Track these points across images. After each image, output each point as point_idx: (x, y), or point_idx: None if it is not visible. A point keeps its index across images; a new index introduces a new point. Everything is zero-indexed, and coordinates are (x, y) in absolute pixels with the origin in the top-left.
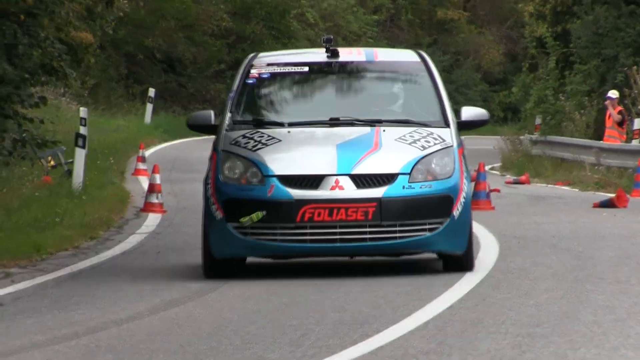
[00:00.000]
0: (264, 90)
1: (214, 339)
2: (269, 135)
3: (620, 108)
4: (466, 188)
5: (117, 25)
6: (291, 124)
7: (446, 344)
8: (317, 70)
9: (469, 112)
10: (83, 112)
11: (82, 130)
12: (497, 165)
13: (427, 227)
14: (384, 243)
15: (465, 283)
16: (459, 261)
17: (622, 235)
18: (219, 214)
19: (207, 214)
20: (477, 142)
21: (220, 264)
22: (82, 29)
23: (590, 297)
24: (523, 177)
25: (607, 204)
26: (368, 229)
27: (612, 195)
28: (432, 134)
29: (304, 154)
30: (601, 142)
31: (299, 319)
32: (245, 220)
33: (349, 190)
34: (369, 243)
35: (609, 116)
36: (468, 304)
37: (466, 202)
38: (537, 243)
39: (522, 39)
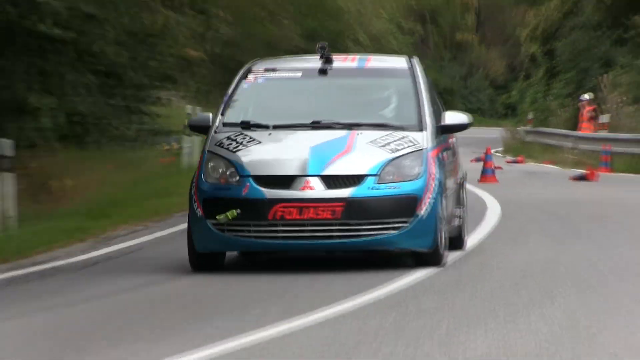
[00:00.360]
0: (256, 94)
1: (274, 285)
2: (250, 137)
3: (594, 107)
4: (435, 188)
5: (220, 45)
6: (275, 127)
7: (461, 282)
8: (309, 76)
9: (450, 118)
10: (189, 109)
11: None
12: (500, 149)
13: (392, 225)
14: (351, 241)
15: (476, 237)
16: (427, 258)
17: (593, 201)
18: (199, 212)
19: (191, 211)
20: (486, 132)
21: (204, 258)
22: (194, 47)
23: (570, 248)
24: (519, 158)
25: (582, 178)
26: (336, 227)
27: (586, 171)
28: (405, 137)
29: (278, 155)
30: (577, 132)
31: (330, 272)
32: (221, 217)
33: (319, 190)
34: (337, 240)
35: (582, 114)
36: (478, 252)
37: (434, 203)
38: (530, 207)
39: (519, 55)
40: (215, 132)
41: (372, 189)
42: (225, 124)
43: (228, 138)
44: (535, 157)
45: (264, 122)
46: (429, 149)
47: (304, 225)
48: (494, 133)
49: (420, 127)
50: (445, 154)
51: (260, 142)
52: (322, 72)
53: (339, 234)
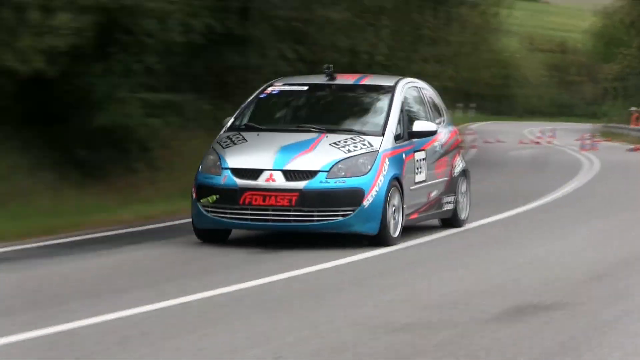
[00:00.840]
0: (265, 103)
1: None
2: (242, 137)
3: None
4: (384, 183)
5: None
6: (266, 129)
7: (570, 198)
8: (314, 89)
9: (418, 126)
10: None
11: None
12: (594, 134)
13: (340, 213)
14: (305, 224)
15: (588, 176)
16: (375, 240)
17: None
18: (194, 195)
19: (191, 196)
20: (586, 126)
21: (202, 232)
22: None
23: (629, 185)
24: (606, 139)
25: (633, 150)
26: (292, 213)
27: (636, 146)
28: (363, 140)
29: (254, 152)
30: (631, 126)
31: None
32: (204, 200)
33: (279, 182)
34: (293, 223)
35: (635, 118)
36: (588, 185)
37: (380, 195)
38: (611, 163)
39: (602, 89)
40: (224, 132)
41: (323, 182)
42: (233, 126)
43: (227, 137)
44: (614, 139)
45: (258, 125)
46: (383, 151)
47: (267, 210)
48: (589, 126)
49: (382, 133)
50: (414, 154)
51: (247, 141)
52: (325, 86)
53: (295, 218)
